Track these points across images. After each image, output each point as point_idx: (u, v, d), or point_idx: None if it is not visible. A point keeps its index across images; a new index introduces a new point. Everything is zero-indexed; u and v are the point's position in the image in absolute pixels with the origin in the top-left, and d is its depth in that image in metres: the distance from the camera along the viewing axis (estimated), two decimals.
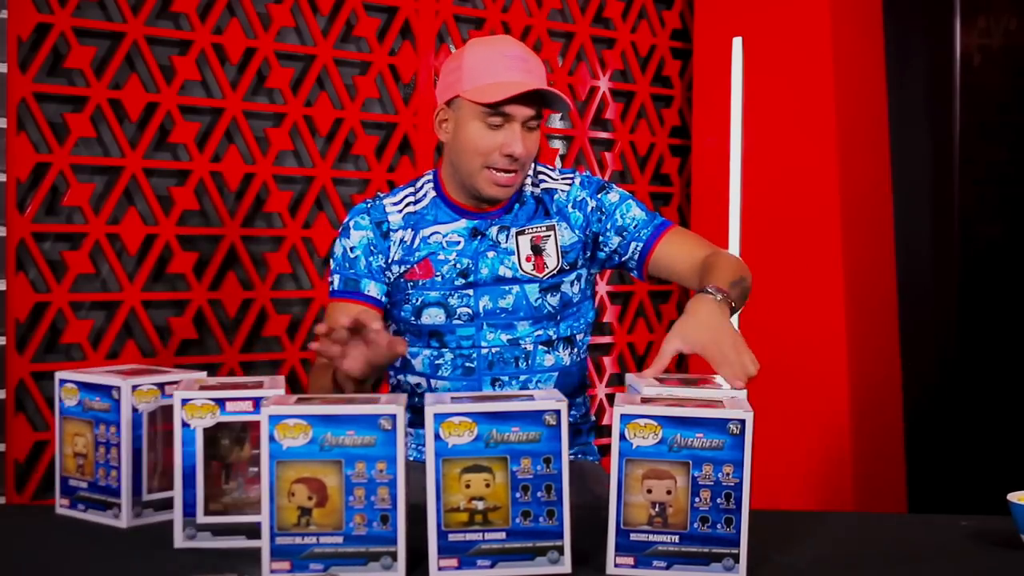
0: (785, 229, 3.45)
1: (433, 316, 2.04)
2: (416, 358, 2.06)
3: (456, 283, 2.04)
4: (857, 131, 3.44)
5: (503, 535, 1.46)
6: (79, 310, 2.86)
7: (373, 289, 2.05)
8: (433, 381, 2.05)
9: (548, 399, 1.48)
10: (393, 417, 1.44)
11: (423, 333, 2.05)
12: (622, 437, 1.46)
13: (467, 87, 1.98)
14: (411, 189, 2.12)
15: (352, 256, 2.06)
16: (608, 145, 3.77)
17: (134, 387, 1.67)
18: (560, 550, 1.46)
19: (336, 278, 2.07)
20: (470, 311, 2.04)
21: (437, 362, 2.05)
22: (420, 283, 2.04)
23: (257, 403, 1.56)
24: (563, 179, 2.13)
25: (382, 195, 2.13)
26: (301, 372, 3.15)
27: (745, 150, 3.52)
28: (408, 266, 2.05)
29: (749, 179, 3.52)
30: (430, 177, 2.13)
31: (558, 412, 1.46)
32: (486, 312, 2.04)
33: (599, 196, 2.10)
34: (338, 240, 2.10)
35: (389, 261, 2.06)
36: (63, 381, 1.74)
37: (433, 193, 2.10)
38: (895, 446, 3.47)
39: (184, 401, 1.57)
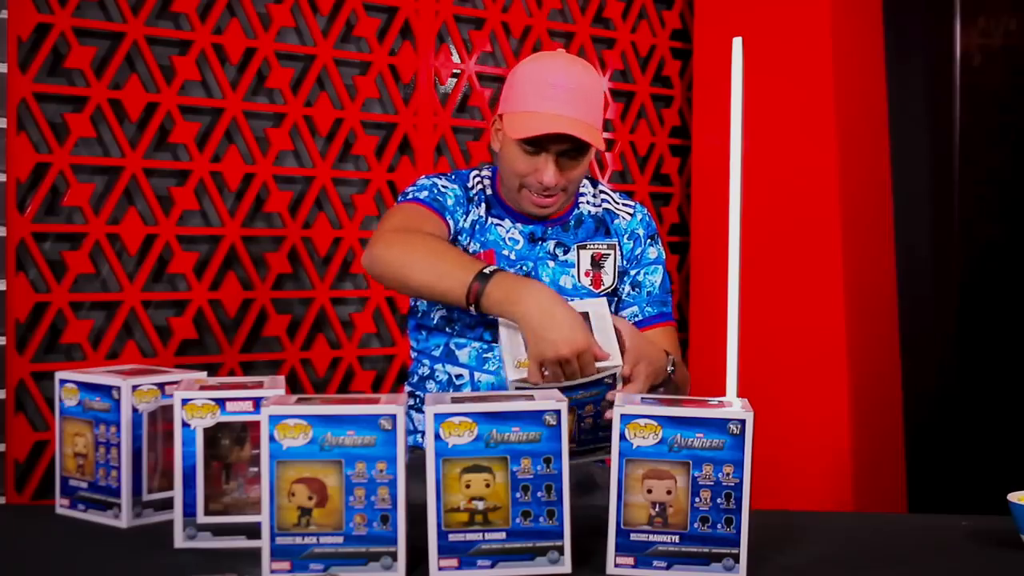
0: (785, 229, 3.45)
1: None
2: (463, 349, 2.05)
3: None
4: (857, 131, 3.44)
5: (503, 535, 1.46)
6: (79, 310, 2.86)
7: (451, 222, 2.03)
8: (477, 374, 2.04)
9: (548, 399, 1.48)
10: (393, 417, 1.44)
11: (477, 325, 2.04)
12: (622, 437, 1.46)
13: (510, 109, 2.00)
14: (476, 173, 2.13)
15: (443, 190, 2.05)
16: (608, 145, 3.77)
17: (134, 387, 1.67)
18: (560, 550, 1.46)
19: (424, 192, 2.03)
20: None
21: (486, 355, 2.04)
22: None
23: (257, 403, 1.56)
24: (624, 206, 2.16)
25: (453, 173, 2.13)
26: (301, 372, 3.15)
27: (745, 150, 3.52)
28: (476, 246, 2.06)
29: (749, 179, 3.52)
30: (489, 173, 2.14)
31: (558, 412, 1.46)
32: None
33: (647, 243, 2.14)
34: (424, 179, 2.08)
35: (466, 228, 2.07)
36: (63, 381, 1.74)
37: (490, 190, 2.12)
38: (895, 446, 3.47)
39: (184, 401, 1.57)
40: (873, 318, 3.44)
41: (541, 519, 1.45)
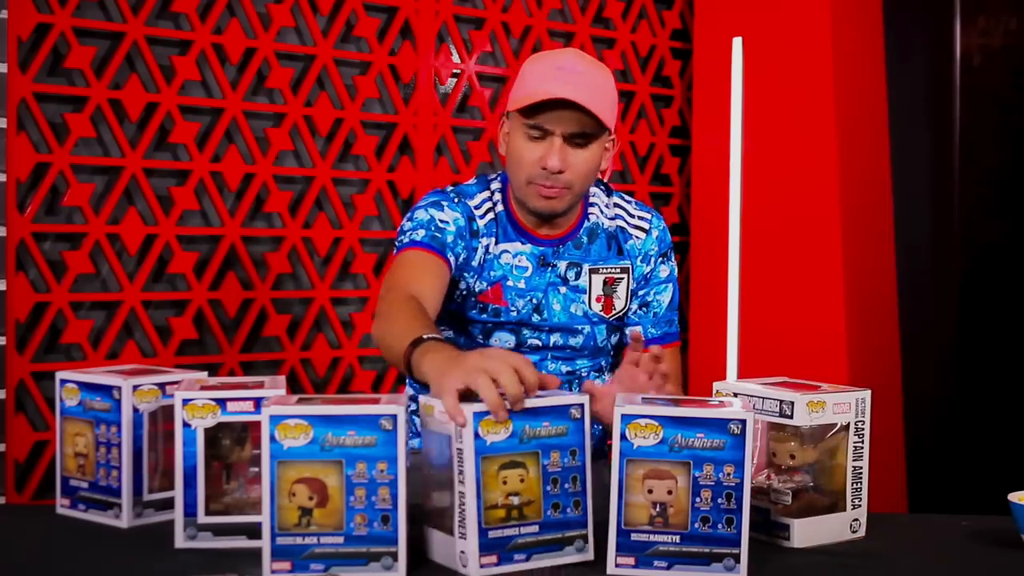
0: (785, 229, 3.45)
1: (503, 341, 2.02)
2: None
3: (533, 319, 2.03)
4: (857, 131, 3.44)
5: (536, 528, 1.47)
6: (79, 310, 2.86)
7: (451, 258, 1.95)
8: None
9: (571, 394, 1.52)
10: (394, 417, 1.44)
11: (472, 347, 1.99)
12: (623, 437, 1.46)
13: (516, 96, 1.96)
14: (487, 193, 2.05)
15: (441, 226, 1.96)
16: None
17: (135, 387, 1.67)
18: (585, 538, 1.50)
19: (420, 232, 1.94)
20: (540, 343, 2.05)
21: None
22: (492, 308, 2.02)
23: (258, 403, 1.56)
24: (640, 219, 2.10)
25: (456, 193, 2.04)
26: (301, 372, 3.15)
27: (745, 150, 3.52)
28: (482, 284, 2.02)
29: (749, 179, 3.52)
30: (500, 185, 2.07)
31: (582, 406, 1.49)
32: (555, 346, 2.05)
33: (658, 261, 2.10)
34: (423, 208, 1.99)
35: (471, 262, 2.01)
36: (64, 381, 1.73)
37: (502, 207, 2.05)
38: (895, 446, 3.47)
39: (185, 401, 1.57)
40: (873, 318, 3.44)
41: (569, 510, 1.48)
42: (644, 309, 2.09)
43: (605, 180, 3.68)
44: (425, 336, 1.63)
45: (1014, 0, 3.61)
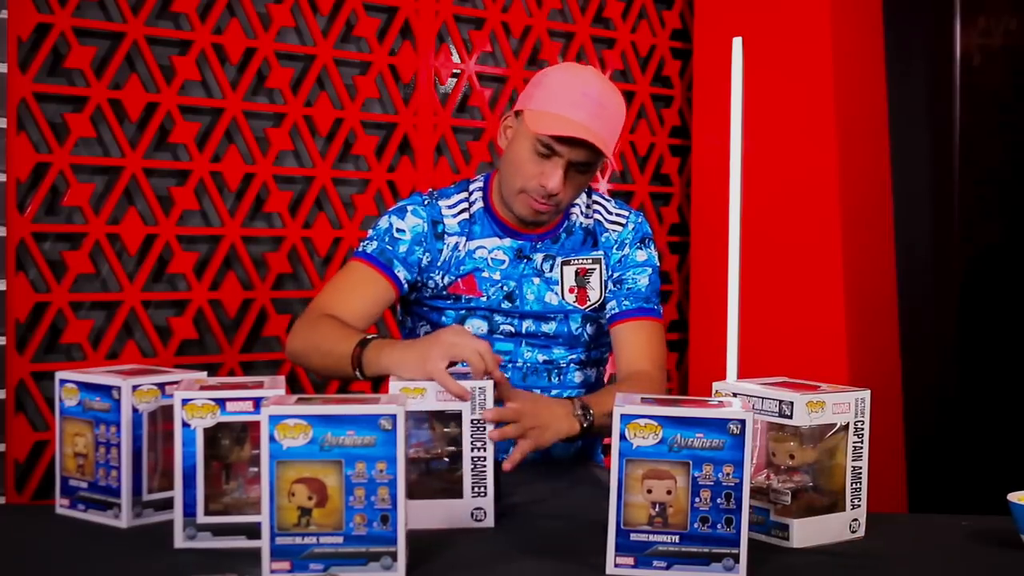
0: (785, 229, 3.45)
1: (476, 327, 2.05)
2: None
3: (503, 306, 2.06)
4: (857, 131, 3.44)
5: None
6: (79, 310, 2.86)
7: (401, 273, 2.05)
8: None
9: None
10: (393, 417, 1.44)
11: None
12: (622, 437, 1.46)
13: (535, 106, 1.98)
14: (464, 194, 2.11)
15: (396, 236, 2.06)
16: None
17: (134, 387, 1.67)
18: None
19: (373, 243, 2.06)
20: (512, 329, 2.07)
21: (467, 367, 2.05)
22: (464, 299, 2.06)
23: (257, 403, 1.56)
24: (618, 216, 2.15)
25: (436, 193, 2.12)
26: (301, 372, 3.15)
27: (745, 150, 3.52)
28: (453, 278, 2.06)
29: (749, 179, 3.52)
30: (481, 184, 2.12)
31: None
32: (528, 332, 2.07)
33: (635, 246, 2.12)
34: (388, 215, 2.09)
35: (436, 263, 2.06)
36: (63, 381, 1.74)
37: (481, 204, 2.10)
38: (895, 446, 3.47)
39: (184, 401, 1.57)
40: (873, 318, 3.44)
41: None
42: (618, 286, 2.11)
43: (605, 179, 3.69)
44: (370, 336, 1.85)
45: (1014, 0, 3.61)
